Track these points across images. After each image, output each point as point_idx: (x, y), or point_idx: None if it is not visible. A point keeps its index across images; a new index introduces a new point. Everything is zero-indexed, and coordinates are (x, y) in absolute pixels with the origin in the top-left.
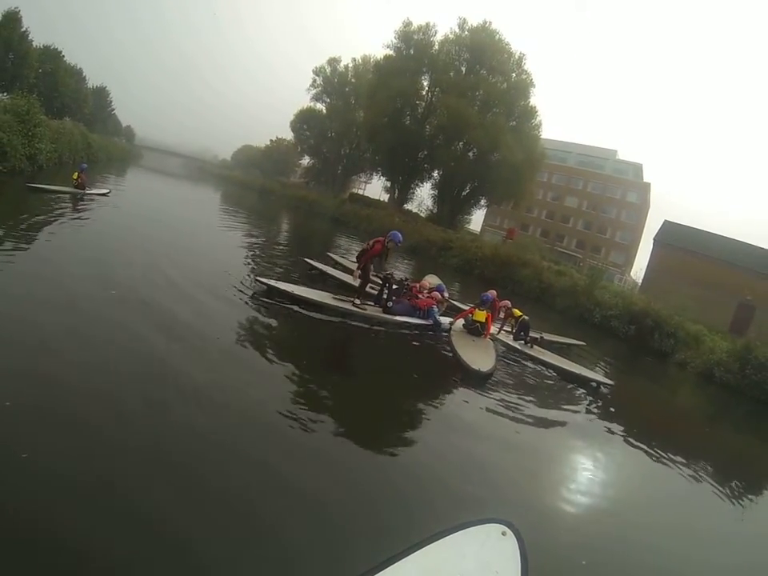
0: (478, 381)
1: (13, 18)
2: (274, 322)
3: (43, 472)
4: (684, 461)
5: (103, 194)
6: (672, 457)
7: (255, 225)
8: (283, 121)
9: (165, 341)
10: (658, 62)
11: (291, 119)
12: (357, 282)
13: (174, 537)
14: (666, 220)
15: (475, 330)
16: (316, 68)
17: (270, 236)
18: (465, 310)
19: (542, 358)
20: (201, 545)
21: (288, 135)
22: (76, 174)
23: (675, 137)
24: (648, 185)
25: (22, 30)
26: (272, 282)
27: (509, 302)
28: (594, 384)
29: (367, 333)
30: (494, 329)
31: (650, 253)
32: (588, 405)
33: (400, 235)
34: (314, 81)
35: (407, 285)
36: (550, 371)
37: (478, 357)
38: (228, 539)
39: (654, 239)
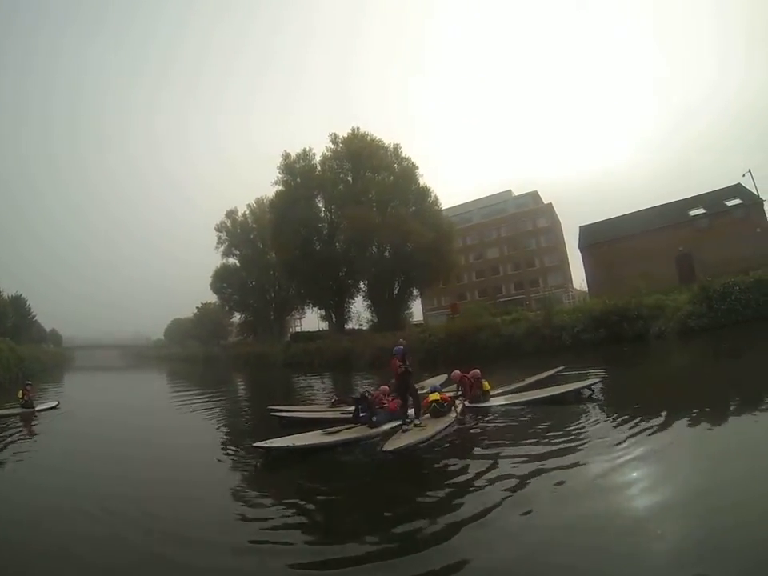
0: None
1: None
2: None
3: None
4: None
5: (53, 408)
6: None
7: (213, 397)
8: (206, 284)
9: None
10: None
11: (209, 281)
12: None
13: None
14: (580, 226)
15: (434, 411)
16: (217, 225)
17: (231, 403)
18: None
19: (522, 399)
20: None
21: (212, 298)
22: (21, 391)
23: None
24: (550, 204)
25: None
26: (268, 444)
27: (477, 372)
28: (586, 391)
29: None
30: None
31: (581, 260)
32: (592, 410)
33: (400, 347)
34: (219, 238)
35: (371, 396)
36: (536, 407)
37: (403, 438)
38: None
39: (579, 247)
